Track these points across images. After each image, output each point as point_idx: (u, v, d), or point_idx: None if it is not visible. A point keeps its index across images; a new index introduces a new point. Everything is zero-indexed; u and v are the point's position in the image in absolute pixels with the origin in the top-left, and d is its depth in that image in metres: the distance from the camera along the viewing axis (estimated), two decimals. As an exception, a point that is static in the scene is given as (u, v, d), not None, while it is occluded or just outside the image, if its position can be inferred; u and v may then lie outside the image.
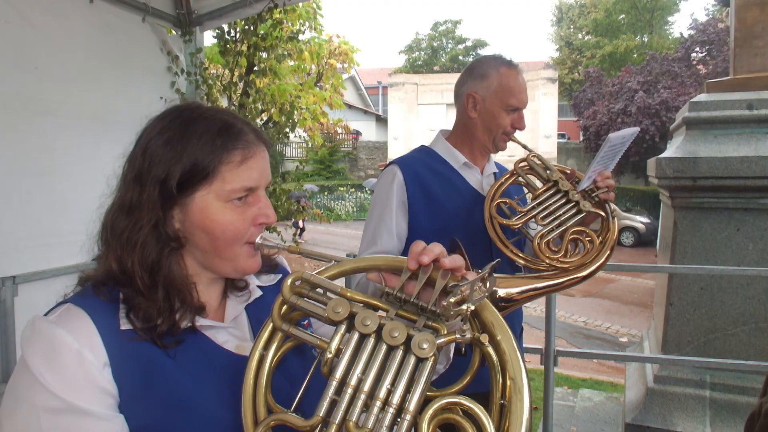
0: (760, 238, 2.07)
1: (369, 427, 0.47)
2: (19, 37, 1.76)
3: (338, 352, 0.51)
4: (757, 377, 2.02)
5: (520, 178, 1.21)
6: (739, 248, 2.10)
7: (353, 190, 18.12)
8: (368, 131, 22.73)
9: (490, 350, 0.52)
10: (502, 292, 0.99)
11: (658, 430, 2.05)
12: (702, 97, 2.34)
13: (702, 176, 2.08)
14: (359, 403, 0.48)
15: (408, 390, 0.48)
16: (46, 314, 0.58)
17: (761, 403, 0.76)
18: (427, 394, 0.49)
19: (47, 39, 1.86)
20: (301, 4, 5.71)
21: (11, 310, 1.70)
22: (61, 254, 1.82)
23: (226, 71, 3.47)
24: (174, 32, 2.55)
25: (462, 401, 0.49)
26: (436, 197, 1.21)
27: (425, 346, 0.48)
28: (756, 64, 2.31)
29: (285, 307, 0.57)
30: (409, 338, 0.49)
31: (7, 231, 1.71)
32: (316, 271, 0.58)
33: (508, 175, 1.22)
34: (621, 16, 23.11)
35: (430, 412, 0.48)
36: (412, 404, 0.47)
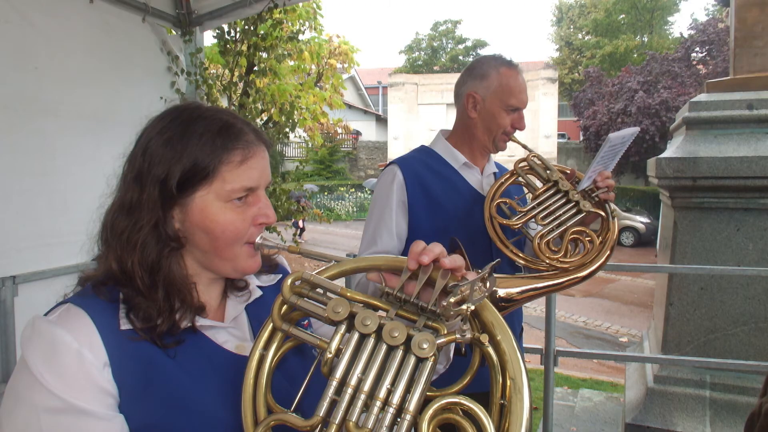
0: (760, 238, 2.07)
1: (369, 427, 0.47)
2: (19, 37, 1.76)
3: (338, 352, 0.51)
4: (757, 377, 2.02)
5: (520, 178, 1.21)
6: (739, 248, 2.10)
7: (353, 190, 18.13)
8: (368, 131, 22.74)
9: (490, 350, 0.52)
10: (502, 292, 0.99)
11: (658, 430, 2.05)
12: (702, 97, 2.34)
13: (702, 176, 2.08)
14: (359, 403, 0.48)
15: (408, 390, 0.48)
16: (46, 314, 0.58)
17: (761, 403, 0.76)
18: (427, 394, 0.49)
19: (47, 39, 1.86)
20: (301, 4, 5.71)
21: (11, 310, 1.70)
22: (61, 254, 1.82)
23: (226, 71, 3.47)
24: (174, 32, 2.55)
25: (462, 401, 0.49)
26: (436, 197, 1.21)
27: (425, 346, 0.48)
28: (756, 64, 2.30)
29: (285, 307, 0.57)
30: (409, 338, 0.50)
31: (7, 231, 1.71)
32: (316, 271, 0.58)
33: (508, 175, 1.22)
34: (621, 16, 23.10)
35: (430, 412, 0.48)
36: (412, 404, 0.47)
